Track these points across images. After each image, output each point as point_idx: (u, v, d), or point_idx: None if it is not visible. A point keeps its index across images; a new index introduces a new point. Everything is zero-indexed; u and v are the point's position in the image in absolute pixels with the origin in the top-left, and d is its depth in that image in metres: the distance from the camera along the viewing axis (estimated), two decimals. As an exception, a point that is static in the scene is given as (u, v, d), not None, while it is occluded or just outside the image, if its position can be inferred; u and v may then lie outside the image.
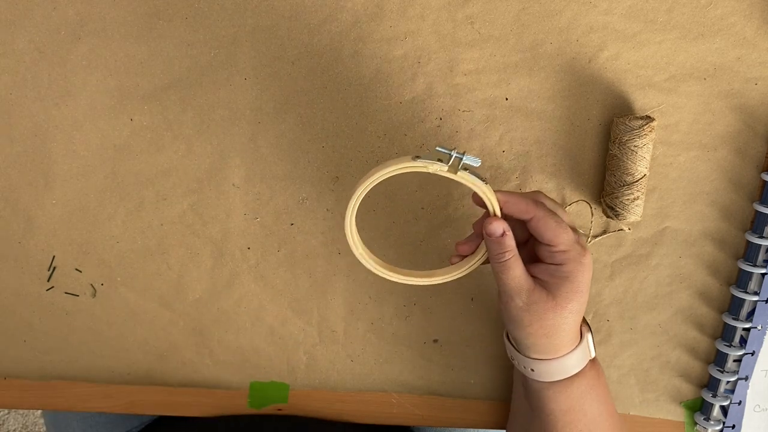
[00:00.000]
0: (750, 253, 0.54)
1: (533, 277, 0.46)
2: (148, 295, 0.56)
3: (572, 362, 0.47)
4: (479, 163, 0.43)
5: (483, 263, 0.47)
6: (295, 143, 0.53)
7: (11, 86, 0.52)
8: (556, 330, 0.45)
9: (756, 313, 0.54)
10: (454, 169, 0.43)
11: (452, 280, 0.48)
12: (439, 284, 0.48)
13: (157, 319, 0.57)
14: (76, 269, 0.55)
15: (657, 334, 0.57)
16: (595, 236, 0.55)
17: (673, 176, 0.54)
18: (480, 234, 0.46)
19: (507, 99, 0.53)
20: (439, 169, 0.43)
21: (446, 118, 0.53)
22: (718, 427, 0.57)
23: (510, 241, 0.45)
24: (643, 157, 0.50)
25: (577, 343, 0.47)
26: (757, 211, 0.54)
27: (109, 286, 0.55)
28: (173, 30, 0.51)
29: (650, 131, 0.50)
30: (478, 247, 0.47)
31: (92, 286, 0.56)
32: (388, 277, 0.48)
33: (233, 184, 0.54)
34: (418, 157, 0.43)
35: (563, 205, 0.54)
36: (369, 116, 0.53)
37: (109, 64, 0.52)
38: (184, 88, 0.52)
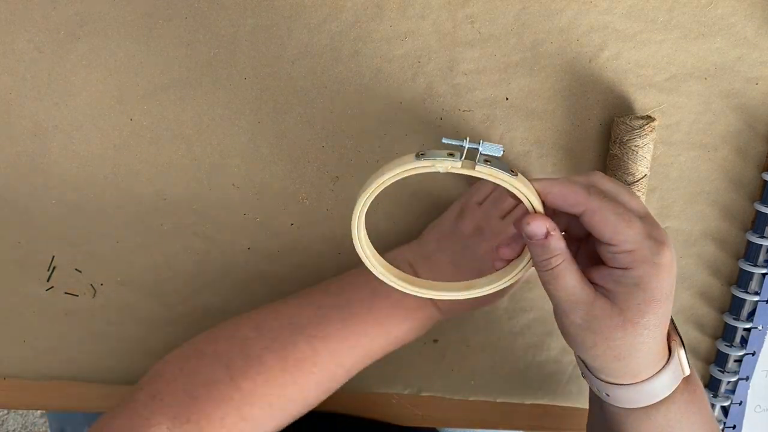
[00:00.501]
0: (751, 253, 0.54)
1: (595, 284, 0.36)
2: (148, 295, 0.56)
3: (658, 387, 0.38)
4: (501, 152, 0.34)
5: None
6: (295, 143, 0.53)
7: (11, 86, 0.52)
8: (630, 351, 0.36)
9: (757, 313, 0.54)
10: (470, 163, 0.35)
11: (497, 291, 0.39)
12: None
13: (157, 319, 0.56)
14: (76, 269, 0.55)
15: (657, 335, 0.57)
16: None
17: (674, 176, 0.54)
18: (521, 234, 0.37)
19: (507, 99, 0.53)
20: (452, 166, 0.34)
21: (446, 118, 0.53)
22: (719, 428, 0.57)
23: (557, 243, 0.35)
24: (644, 156, 0.50)
25: (663, 364, 0.38)
26: (757, 211, 0.54)
27: (109, 286, 0.55)
28: (173, 30, 0.51)
29: (651, 131, 0.50)
30: (523, 249, 0.38)
31: (92, 286, 0.55)
32: (416, 293, 0.40)
33: (233, 184, 0.54)
34: (422, 154, 0.35)
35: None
36: (369, 116, 0.53)
37: (109, 64, 0.52)
38: (183, 88, 0.52)
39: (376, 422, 0.59)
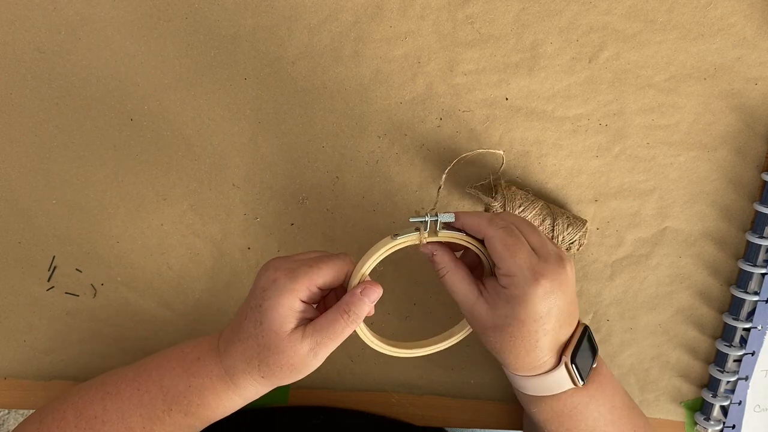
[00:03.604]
0: (750, 253, 0.54)
1: (486, 290, 0.44)
2: (148, 295, 0.56)
3: (547, 384, 0.45)
4: (453, 218, 0.43)
5: None
6: (295, 143, 0.53)
7: (11, 86, 0.52)
8: (503, 349, 0.44)
9: (756, 313, 0.54)
10: (434, 232, 0.44)
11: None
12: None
13: (157, 319, 0.57)
14: (76, 269, 0.55)
15: (657, 334, 0.57)
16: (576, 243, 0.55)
17: (673, 176, 0.54)
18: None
19: (507, 99, 0.53)
20: (420, 238, 0.44)
21: (446, 118, 0.53)
22: (718, 427, 0.57)
23: (441, 258, 0.45)
24: (528, 214, 0.51)
25: (548, 369, 0.45)
26: (757, 211, 0.54)
27: (109, 286, 0.55)
28: (173, 30, 0.51)
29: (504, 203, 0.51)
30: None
31: (92, 286, 0.55)
32: (409, 355, 0.48)
33: (233, 184, 0.54)
34: (396, 235, 0.44)
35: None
36: (369, 116, 0.53)
37: (109, 64, 0.52)
38: (183, 88, 0.52)
39: (394, 421, 0.59)
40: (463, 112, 0.53)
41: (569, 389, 0.46)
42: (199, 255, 0.55)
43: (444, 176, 0.50)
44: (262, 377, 0.43)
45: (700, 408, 0.58)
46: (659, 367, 0.57)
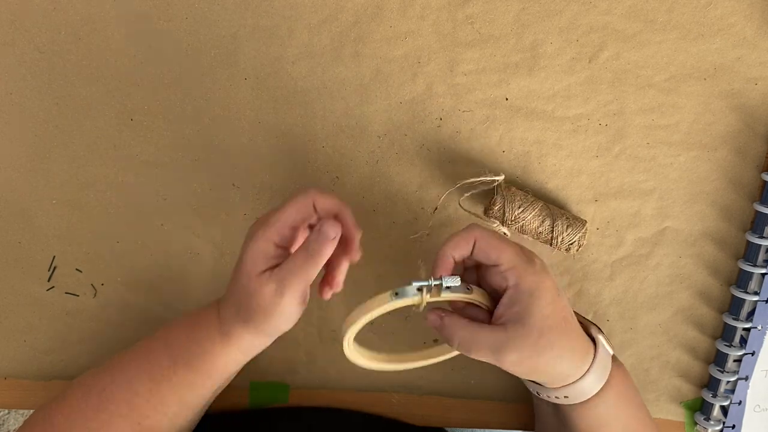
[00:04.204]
0: (750, 253, 0.54)
1: (503, 323, 0.43)
2: (148, 295, 0.56)
3: (587, 385, 0.44)
4: (459, 281, 0.41)
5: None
6: (295, 143, 0.53)
7: (11, 86, 0.52)
8: (545, 365, 0.42)
9: (756, 313, 0.54)
10: (437, 294, 0.42)
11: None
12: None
13: (157, 319, 0.56)
14: (76, 269, 0.55)
15: (657, 334, 0.57)
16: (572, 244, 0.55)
17: (673, 176, 0.54)
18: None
19: (507, 99, 0.53)
20: (421, 300, 0.42)
21: (446, 118, 0.53)
22: (718, 427, 0.57)
23: (449, 322, 0.43)
24: (524, 218, 0.51)
25: (588, 364, 0.44)
26: (757, 211, 0.54)
27: (109, 286, 0.55)
28: (173, 30, 0.51)
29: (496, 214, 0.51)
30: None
31: (92, 286, 0.56)
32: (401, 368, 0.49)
33: (233, 184, 0.54)
34: (396, 294, 0.41)
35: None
36: (369, 116, 0.53)
37: (110, 64, 0.52)
38: (184, 88, 0.52)
39: (391, 420, 0.59)
40: (463, 112, 0.53)
41: (608, 382, 0.45)
42: (199, 255, 0.55)
43: (441, 199, 0.50)
44: (245, 322, 0.44)
45: (700, 408, 0.58)
46: (659, 367, 0.57)
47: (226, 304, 0.46)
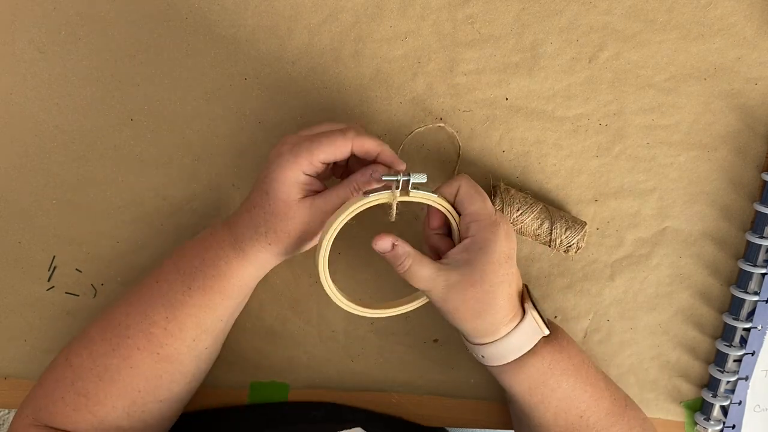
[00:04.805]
0: (750, 253, 0.54)
1: (448, 263, 0.45)
2: (148, 295, 0.56)
3: (516, 341, 0.46)
4: (426, 179, 0.44)
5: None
6: (295, 143, 0.53)
7: (11, 86, 0.52)
8: (484, 308, 0.45)
9: (756, 313, 0.54)
10: (405, 192, 0.44)
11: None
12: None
13: (157, 319, 0.56)
14: (76, 269, 0.55)
15: (657, 334, 0.57)
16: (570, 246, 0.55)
17: (673, 176, 0.54)
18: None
19: (507, 99, 0.53)
20: (392, 197, 0.44)
21: (446, 118, 0.53)
22: (718, 427, 0.57)
23: (403, 249, 0.45)
24: (524, 221, 0.51)
25: (517, 322, 0.46)
26: (757, 211, 0.54)
27: (109, 286, 0.55)
28: (173, 30, 0.51)
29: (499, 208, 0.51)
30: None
31: (92, 286, 0.55)
32: (374, 315, 0.49)
33: (233, 184, 0.54)
34: (368, 192, 0.44)
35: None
36: (369, 116, 0.53)
37: (110, 64, 0.52)
38: (184, 88, 0.52)
39: (396, 418, 0.59)
40: (463, 112, 0.53)
41: (535, 351, 0.46)
42: (199, 255, 0.55)
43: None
44: (269, 244, 0.46)
45: (700, 408, 0.58)
46: (659, 367, 0.57)
47: (242, 224, 0.46)
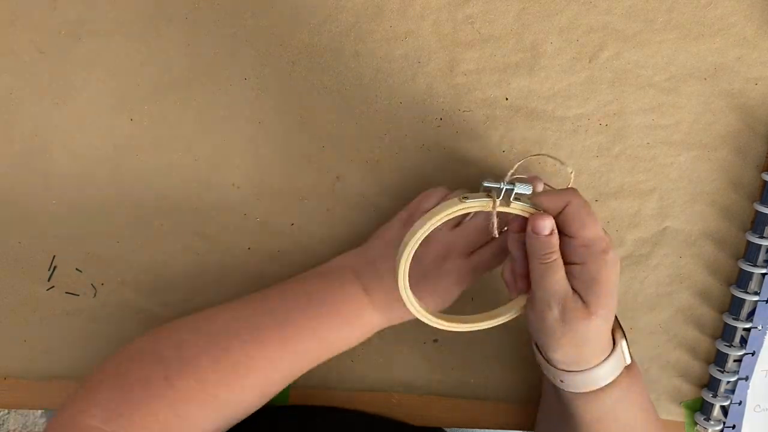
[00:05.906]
0: (750, 253, 0.54)
1: None
2: (148, 295, 0.56)
3: (604, 373, 0.45)
4: (531, 190, 0.40)
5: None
6: (295, 143, 0.53)
7: (11, 86, 0.52)
8: (586, 340, 0.43)
9: (756, 313, 0.54)
10: (506, 202, 0.41)
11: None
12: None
13: (157, 319, 0.56)
14: (77, 269, 0.55)
15: (657, 334, 0.57)
16: None
17: (673, 176, 0.54)
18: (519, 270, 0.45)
19: (507, 99, 0.53)
20: (491, 204, 0.40)
21: (446, 118, 0.53)
22: (719, 428, 0.57)
23: (556, 240, 0.42)
24: None
25: (609, 353, 0.44)
26: (757, 211, 0.54)
27: (109, 286, 0.55)
28: (173, 30, 0.51)
29: None
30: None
31: (92, 286, 0.56)
32: (452, 329, 0.46)
33: (233, 184, 0.54)
34: (466, 197, 0.41)
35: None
36: (369, 116, 0.53)
37: (109, 64, 0.52)
38: (184, 88, 0.52)
39: (390, 420, 0.59)
40: (463, 112, 0.53)
41: (615, 380, 0.45)
42: (199, 255, 0.55)
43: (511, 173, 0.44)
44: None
45: (700, 408, 0.58)
46: (659, 367, 0.57)
47: (375, 277, 0.48)
